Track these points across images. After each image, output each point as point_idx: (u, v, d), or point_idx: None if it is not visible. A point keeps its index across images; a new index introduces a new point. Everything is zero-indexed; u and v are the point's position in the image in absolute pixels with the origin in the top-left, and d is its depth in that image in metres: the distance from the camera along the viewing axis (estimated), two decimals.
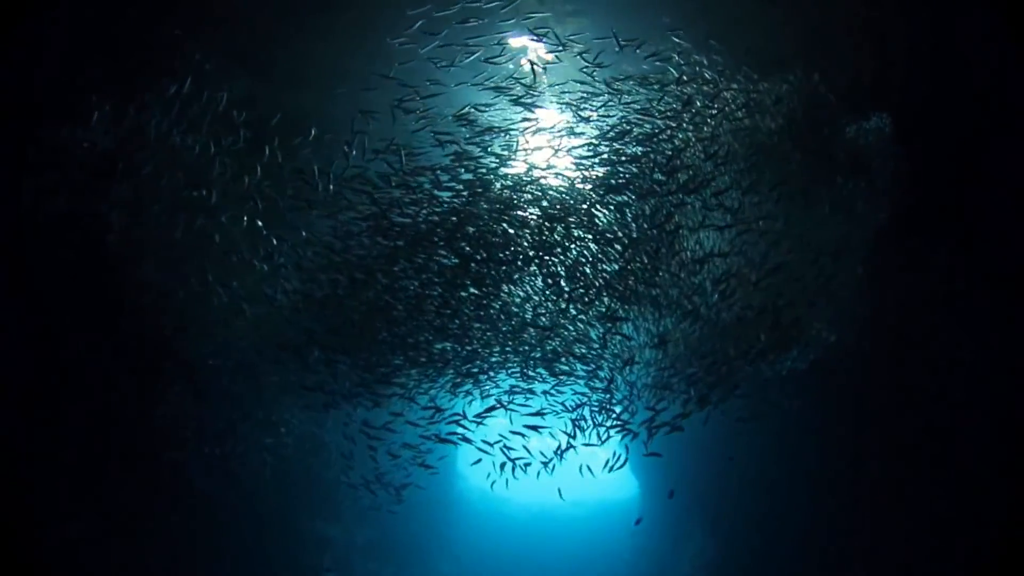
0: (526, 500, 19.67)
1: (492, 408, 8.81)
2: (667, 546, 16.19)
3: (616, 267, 8.51)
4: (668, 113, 8.46)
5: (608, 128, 8.44)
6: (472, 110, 8.24)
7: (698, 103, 8.66)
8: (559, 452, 9.23)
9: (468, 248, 8.58)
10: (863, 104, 9.35)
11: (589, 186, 8.52)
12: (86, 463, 10.46)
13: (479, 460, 9.40)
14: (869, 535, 10.73)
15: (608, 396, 9.02)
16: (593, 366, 8.98)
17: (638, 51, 8.19)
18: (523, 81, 8.33)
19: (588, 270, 8.51)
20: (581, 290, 8.63)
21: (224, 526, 12.29)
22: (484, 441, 9.09)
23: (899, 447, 10.33)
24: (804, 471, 11.68)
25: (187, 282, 9.46)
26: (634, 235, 8.38)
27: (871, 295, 9.76)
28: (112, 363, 10.49)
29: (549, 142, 8.62)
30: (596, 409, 9.05)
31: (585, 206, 8.45)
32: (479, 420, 8.76)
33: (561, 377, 9.10)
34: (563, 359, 8.96)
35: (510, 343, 8.96)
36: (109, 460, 10.67)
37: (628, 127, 8.38)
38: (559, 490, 11.25)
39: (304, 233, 8.86)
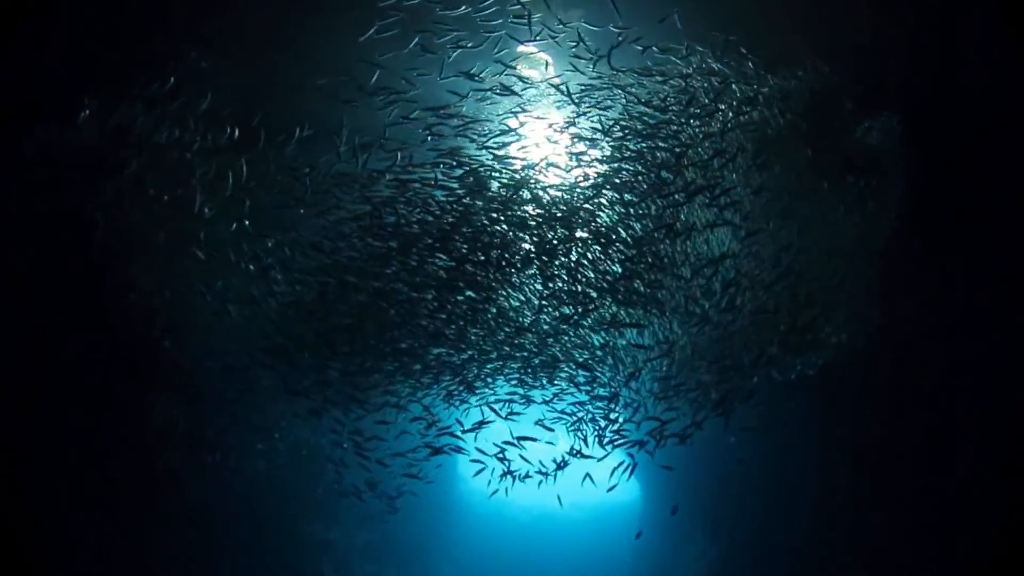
0: (527, 503, 19.14)
1: (486, 422, 8.17)
2: (668, 550, 15.78)
3: (620, 269, 7.86)
4: (673, 107, 7.85)
5: (611, 122, 7.80)
6: (464, 103, 7.60)
7: (704, 98, 8.05)
8: (560, 465, 8.65)
9: (465, 249, 7.96)
10: (873, 101, 8.81)
11: (590, 183, 7.87)
12: (79, 469, 9.91)
13: (481, 470, 8.86)
14: (873, 541, 10.23)
15: (611, 406, 8.40)
16: (595, 373, 8.35)
17: (634, 43, 7.55)
18: (518, 73, 7.69)
19: (591, 273, 7.87)
20: (582, 293, 7.98)
21: (222, 531, 11.81)
22: (479, 450, 8.48)
23: (904, 452, 9.81)
24: (806, 475, 11.22)
25: (175, 284, 8.93)
26: (639, 235, 7.73)
27: (884, 297, 9.25)
28: (102, 366, 9.95)
29: (547, 137, 7.98)
30: (599, 423, 8.41)
31: (588, 205, 7.80)
32: (473, 430, 8.13)
33: (561, 385, 8.47)
34: (563, 367, 8.33)
35: (507, 349, 8.32)
36: (103, 466, 10.14)
37: (631, 121, 7.75)
38: (558, 497, 10.71)
39: (293, 234, 8.27)
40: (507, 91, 7.56)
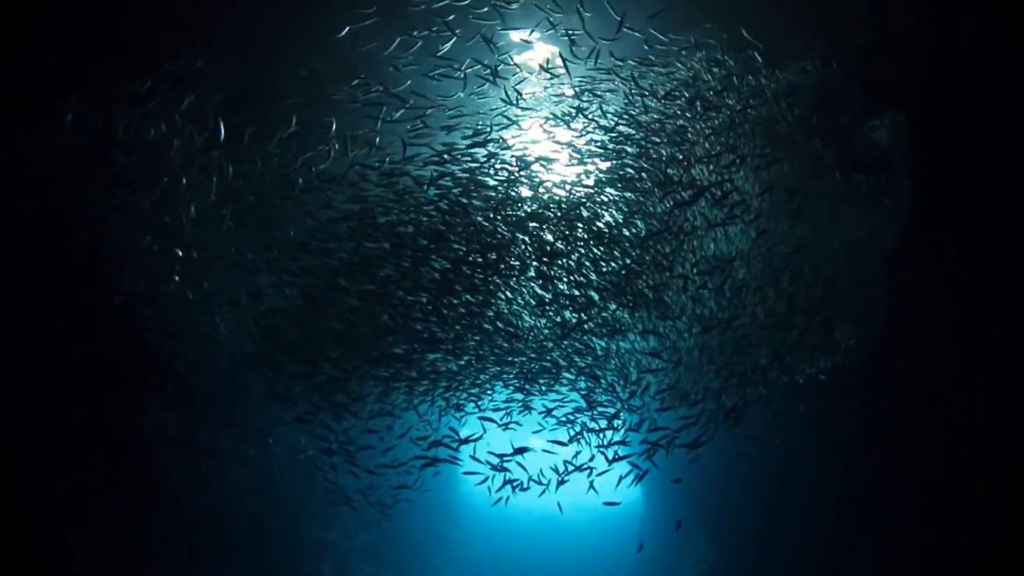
0: (528, 504, 18.68)
1: (478, 437, 7.59)
2: (670, 553, 15.34)
3: (624, 271, 7.28)
4: (678, 100, 7.28)
5: (615, 117, 7.21)
6: (458, 97, 7.02)
7: (709, 93, 7.49)
8: (561, 480, 8.18)
9: (462, 251, 7.40)
10: (882, 97, 8.34)
11: (592, 180, 7.28)
12: (76, 472, 9.35)
13: (484, 480, 8.37)
14: (878, 546, 9.79)
15: (615, 413, 7.84)
16: (599, 381, 7.78)
17: (637, 33, 6.99)
18: (514, 62, 7.11)
19: (593, 275, 7.28)
20: (584, 297, 7.41)
21: (220, 533, 11.26)
22: (474, 458, 7.92)
23: (911, 458, 9.28)
24: (809, 479, 10.81)
25: (162, 286, 8.44)
26: (644, 234, 7.15)
27: (895, 297, 8.77)
28: (92, 371, 9.46)
29: (547, 132, 7.39)
30: (604, 434, 7.84)
31: (589, 203, 7.22)
32: (467, 442, 7.57)
33: (562, 392, 7.91)
34: (565, 373, 7.76)
35: (506, 355, 7.75)
36: (99, 471, 9.64)
37: (635, 115, 7.18)
38: (559, 504, 10.20)
39: (280, 233, 7.73)
40: (501, 79, 6.94)
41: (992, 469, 8.31)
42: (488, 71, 6.68)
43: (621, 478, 8.08)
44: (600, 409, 8.13)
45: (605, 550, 18.42)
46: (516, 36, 7.13)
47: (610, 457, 7.52)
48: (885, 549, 9.61)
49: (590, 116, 7.28)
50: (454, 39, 6.67)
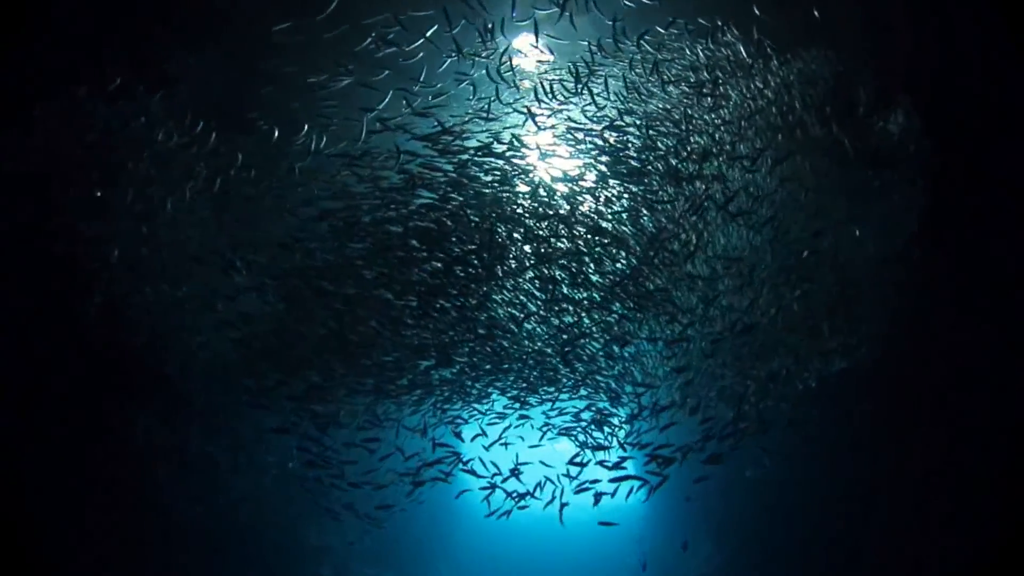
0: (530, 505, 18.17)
1: (468, 460, 6.90)
2: (673, 555, 14.56)
3: (628, 271, 6.54)
4: (685, 88, 6.57)
5: (619, 105, 6.45)
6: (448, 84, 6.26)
7: (719, 80, 6.79)
8: (563, 505, 7.69)
9: (455, 251, 6.67)
10: (895, 91, 7.74)
11: (595, 174, 6.52)
12: (76, 477, 8.80)
13: (489, 495, 7.79)
14: (882, 548, 9.43)
15: (620, 423, 7.19)
16: (602, 391, 7.10)
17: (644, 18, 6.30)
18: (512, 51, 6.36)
19: (595, 276, 6.55)
20: (586, 299, 6.70)
21: (220, 536, 10.84)
22: (465, 470, 7.26)
23: (918, 460, 8.94)
24: (814, 481, 10.37)
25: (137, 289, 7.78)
26: (651, 231, 6.42)
27: (909, 296, 8.08)
28: (79, 380, 8.82)
29: (544, 124, 6.63)
30: (608, 451, 7.20)
31: (591, 198, 6.49)
32: (462, 460, 6.89)
33: (563, 400, 7.22)
34: (565, 380, 7.05)
35: (504, 363, 7.03)
36: (95, 478, 9.06)
37: (639, 105, 6.44)
38: (560, 513, 9.59)
39: (261, 234, 7.04)
40: (492, 55, 6.16)
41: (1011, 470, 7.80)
42: (484, 50, 5.87)
43: (632, 490, 7.42)
44: (603, 417, 7.49)
45: (607, 549, 17.83)
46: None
47: (616, 476, 6.84)
48: (893, 551, 9.16)
49: (595, 101, 6.50)
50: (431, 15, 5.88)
